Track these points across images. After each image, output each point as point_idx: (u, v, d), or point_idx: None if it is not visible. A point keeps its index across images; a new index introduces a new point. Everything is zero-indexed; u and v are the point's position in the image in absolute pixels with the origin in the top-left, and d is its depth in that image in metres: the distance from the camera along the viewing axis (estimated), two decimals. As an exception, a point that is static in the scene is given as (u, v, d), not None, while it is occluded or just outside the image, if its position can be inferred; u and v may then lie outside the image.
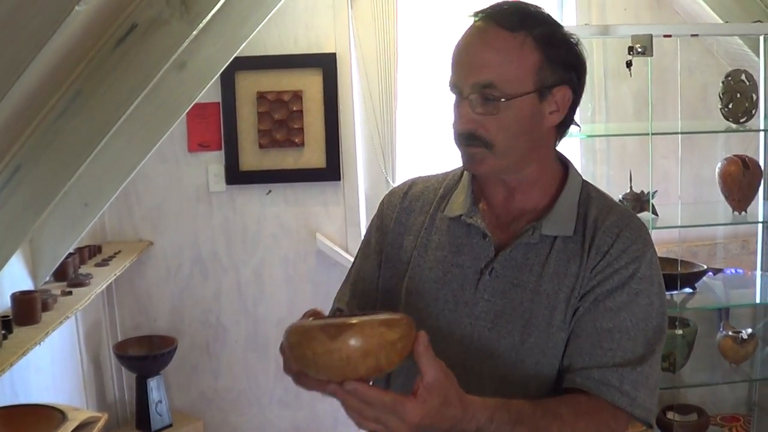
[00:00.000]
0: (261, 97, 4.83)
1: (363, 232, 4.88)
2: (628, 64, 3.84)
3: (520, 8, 1.84)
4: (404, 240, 2.06)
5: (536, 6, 1.87)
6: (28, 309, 3.40)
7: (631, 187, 4.16)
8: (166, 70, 3.22)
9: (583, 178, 2.02)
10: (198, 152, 4.89)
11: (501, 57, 1.79)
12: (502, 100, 1.78)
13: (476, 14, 1.86)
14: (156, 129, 4.01)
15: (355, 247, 4.87)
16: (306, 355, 1.54)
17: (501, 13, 1.82)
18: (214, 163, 4.90)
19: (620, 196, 4.15)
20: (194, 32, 3.12)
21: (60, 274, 4.04)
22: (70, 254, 4.11)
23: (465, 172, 2.05)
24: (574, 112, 1.92)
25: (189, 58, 3.83)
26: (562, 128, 1.93)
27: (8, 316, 3.30)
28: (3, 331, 3.18)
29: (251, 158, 4.89)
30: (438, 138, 4.97)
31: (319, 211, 4.89)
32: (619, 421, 1.81)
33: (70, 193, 3.48)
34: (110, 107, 3.06)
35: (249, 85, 4.85)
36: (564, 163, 2.01)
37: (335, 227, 4.92)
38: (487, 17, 1.83)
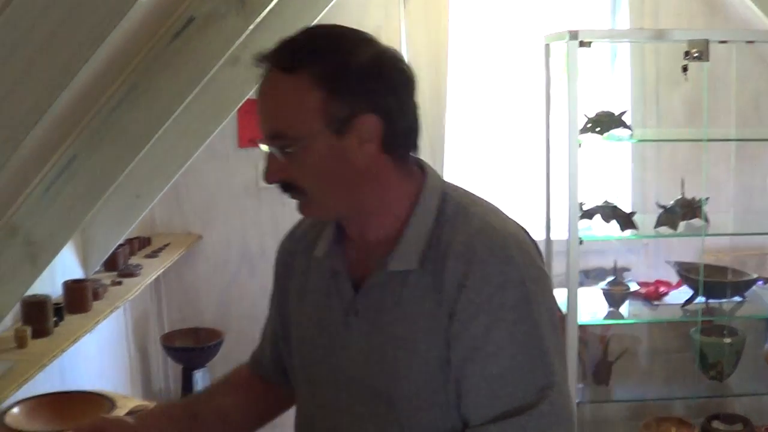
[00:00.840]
0: (313, 94, 4.83)
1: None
2: (684, 69, 3.80)
3: (299, 44, 1.67)
4: (290, 284, 1.94)
5: (327, 35, 1.72)
6: (79, 297, 3.45)
7: (682, 194, 4.14)
8: (220, 66, 3.25)
9: (456, 185, 1.83)
10: (248, 148, 4.93)
11: (279, 103, 1.67)
12: (290, 147, 1.65)
13: (260, 60, 1.70)
14: (208, 124, 4.06)
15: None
16: None
17: (278, 53, 1.67)
18: (263, 159, 4.90)
19: (672, 202, 4.13)
20: (250, 27, 3.15)
21: (110, 264, 4.09)
22: (121, 245, 4.16)
23: None
24: (403, 128, 1.72)
25: (242, 54, 3.85)
26: (395, 148, 1.72)
27: (60, 304, 3.35)
28: (55, 318, 3.23)
29: (301, 155, 4.90)
30: (488, 140, 4.98)
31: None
32: None
33: (123, 185, 3.51)
34: (165, 101, 3.10)
35: (301, 81, 4.85)
36: (424, 174, 1.80)
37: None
38: (266, 60, 1.68)
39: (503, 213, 1.80)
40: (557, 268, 4.29)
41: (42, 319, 3.15)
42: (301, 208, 1.76)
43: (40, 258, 2.99)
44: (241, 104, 4.23)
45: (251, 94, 4.15)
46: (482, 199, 1.81)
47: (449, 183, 1.82)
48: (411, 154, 1.78)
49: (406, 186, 1.76)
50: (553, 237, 4.37)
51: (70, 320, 3.36)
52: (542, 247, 4.38)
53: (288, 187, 1.72)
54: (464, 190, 1.81)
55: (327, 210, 1.76)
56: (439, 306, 1.66)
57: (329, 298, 1.82)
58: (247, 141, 4.88)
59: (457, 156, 4.98)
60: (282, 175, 1.70)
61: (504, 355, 1.63)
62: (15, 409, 3.04)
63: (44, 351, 3.03)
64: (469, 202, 1.77)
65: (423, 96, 4.75)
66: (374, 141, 1.68)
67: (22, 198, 2.96)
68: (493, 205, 1.81)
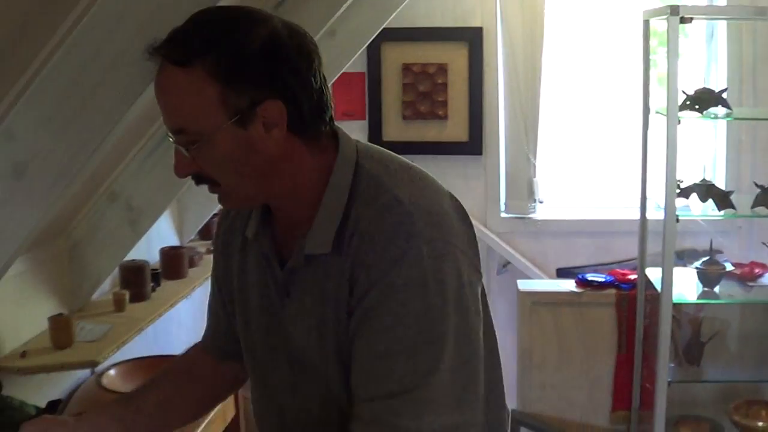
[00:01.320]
0: (406, 68, 4.85)
1: (503, 207, 4.90)
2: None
3: (189, 35, 1.56)
4: (231, 263, 1.88)
5: (217, 21, 1.59)
6: (175, 264, 3.53)
7: (779, 175, 4.07)
8: (318, 38, 3.28)
9: (373, 150, 1.73)
10: (342, 121, 4.94)
11: (177, 99, 1.57)
12: (196, 142, 1.57)
13: (151, 50, 1.57)
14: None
15: (495, 223, 4.91)
16: None
17: (169, 46, 1.56)
18: (357, 132, 4.93)
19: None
20: (347, 1, 3.17)
21: (205, 233, 4.17)
22: (215, 214, 4.22)
23: None
24: (310, 106, 1.62)
25: (339, 27, 3.89)
26: (303, 128, 1.63)
27: (157, 270, 3.43)
28: (152, 284, 3.31)
29: (394, 129, 4.94)
30: (583, 117, 4.94)
31: (460, 185, 4.88)
32: None
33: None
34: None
35: (395, 56, 4.87)
36: (338, 147, 1.70)
37: (475, 201, 4.90)
38: (157, 53, 1.57)
39: (422, 180, 1.70)
40: (652, 247, 4.26)
41: (140, 284, 3.23)
42: (220, 200, 1.69)
43: (139, 223, 3.07)
44: (336, 77, 4.26)
45: (346, 67, 4.19)
46: (400, 166, 1.70)
47: (366, 150, 1.72)
48: (325, 127, 1.68)
49: (320, 162, 1.67)
50: (648, 216, 4.33)
51: (167, 286, 3.44)
52: (637, 227, 4.38)
53: (201, 180, 1.63)
54: (381, 155, 1.72)
55: (245, 200, 1.70)
56: (343, 285, 1.62)
57: (265, 277, 1.77)
58: (341, 114, 4.91)
59: (551, 134, 4.94)
60: (191, 169, 1.61)
61: (389, 335, 1.56)
62: (112, 371, 3.11)
63: (142, 315, 3.10)
64: (382, 172, 1.66)
65: (517, 72, 4.77)
66: (281, 125, 1.59)
67: (123, 164, 3.04)
68: (413, 172, 1.71)
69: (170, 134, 1.60)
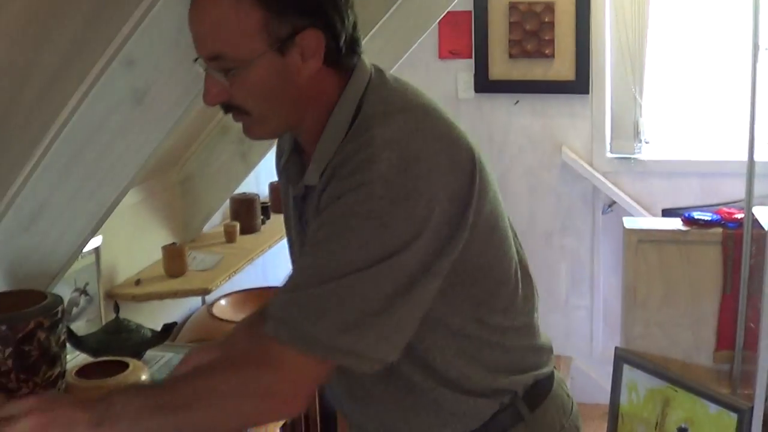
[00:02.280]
0: (513, 7, 4.81)
1: (609, 147, 4.85)
2: None
3: None
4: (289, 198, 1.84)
5: None
6: (284, 198, 3.58)
7: None
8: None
9: (387, 81, 1.70)
10: (448, 59, 4.95)
11: (218, 25, 1.57)
12: (233, 69, 1.57)
13: None
14: (409, 35, 4.09)
15: (601, 163, 4.86)
16: None
17: None
18: (463, 71, 4.94)
19: None
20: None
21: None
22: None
23: None
24: (346, 38, 1.63)
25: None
26: (338, 60, 1.64)
27: (267, 203, 3.49)
28: (262, 217, 3.37)
29: (500, 67, 4.90)
30: (689, 55, 4.84)
31: (566, 124, 4.86)
32: (272, 357, 1.51)
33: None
34: (369, 11, 3.13)
35: (502, -6, 4.85)
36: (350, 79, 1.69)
37: (581, 141, 4.87)
38: None
39: (419, 124, 1.61)
40: (760, 189, 4.17)
41: (250, 216, 3.30)
42: (246, 130, 1.69)
43: (250, 156, 3.12)
44: (442, 15, 4.24)
45: (453, 6, 4.17)
46: (403, 107, 1.64)
47: (377, 86, 1.68)
48: (355, 62, 1.68)
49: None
50: (756, 157, 4.25)
51: (276, 219, 3.50)
52: (744, 168, 4.31)
53: (230, 108, 1.64)
54: (390, 93, 1.67)
55: (272, 129, 1.70)
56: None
57: (293, 208, 1.79)
58: (447, 52, 4.90)
59: (658, 73, 4.86)
60: (223, 97, 1.61)
61: (321, 230, 1.54)
62: (222, 301, 3.20)
63: (252, 246, 3.18)
64: (377, 111, 1.62)
65: (624, 10, 4.70)
66: (317, 56, 1.60)
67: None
68: (411, 114, 1.63)
69: (204, 61, 1.59)
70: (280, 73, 1.59)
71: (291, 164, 1.77)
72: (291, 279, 1.56)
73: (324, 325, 1.47)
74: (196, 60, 1.62)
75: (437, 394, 1.71)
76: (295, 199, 1.76)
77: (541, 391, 1.81)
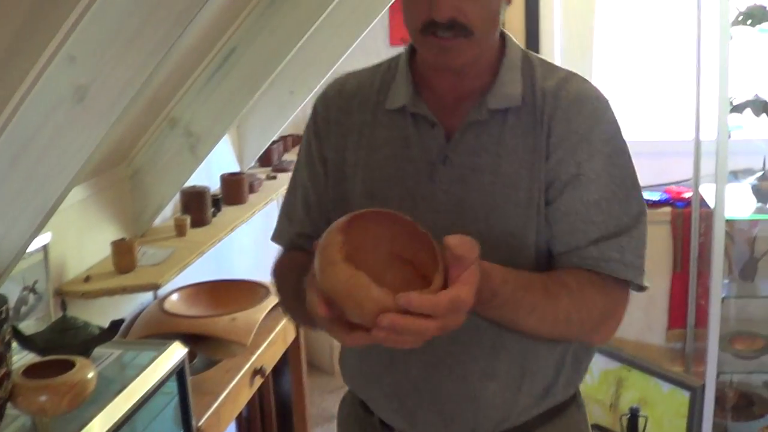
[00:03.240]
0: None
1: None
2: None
3: None
4: (347, 141, 1.87)
5: None
6: (235, 189, 3.57)
7: None
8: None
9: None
10: (399, 46, 4.92)
11: None
12: None
13: None
14: (359, 21, 4.07)
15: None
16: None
17: None
18: None
19: None
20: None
21: (265, 160, 4.21)
22: (275, 141, 4.25)
23: (400, 60, 1.88)
24: None
25: (396, -50, 3.87)
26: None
27: (218, 196, 3.47)
28: (213, 209, 3.35)
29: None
30: (636, 36, 4.88)
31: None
32: (622, 291, 1.73)
33: (277, 81, 3.58)
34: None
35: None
36: (501, 33, 1.82)
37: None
38: None
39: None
40: (706, 168, 4.22)
41: (201, 209, 3.28)
42: (453, 55, 1.68)
43: (199, 149, 3.10)
44: (393, 1, 4.23)
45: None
46: None
47: None
48: None
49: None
50: (702, 138, 4.30)
51: (227, 211, 3.49)
52: (691, 147, 4.35)
53: (452, 27, 1.64)
54: None
55: (478, 53, 1.72)
56: (540, 138, 1.72)
57: (408, 149, 1.79)
58: (398, 39, 4.89)
59: (604, 50, 4.89)
60: (457, 12, 1.63)
61: (601, 183, 1.70)
62: (174, 296, 3.18)
63: (203, 239, 3.15)
64: (543, 58, 1.85)
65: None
66: None
67: (182, 90, 3.06)
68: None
69: None
70: (504, 1, 1.71)
71: (420, 104, 1.78)
72: (606, 215, 1.71)
73: (643, 260, 1.73)
74: None
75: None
76: (427, 137, 1.78)
77: None
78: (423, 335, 1.38)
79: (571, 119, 1.71)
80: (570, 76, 1.77)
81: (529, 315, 1.60)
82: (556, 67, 1.81)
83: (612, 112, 1.76)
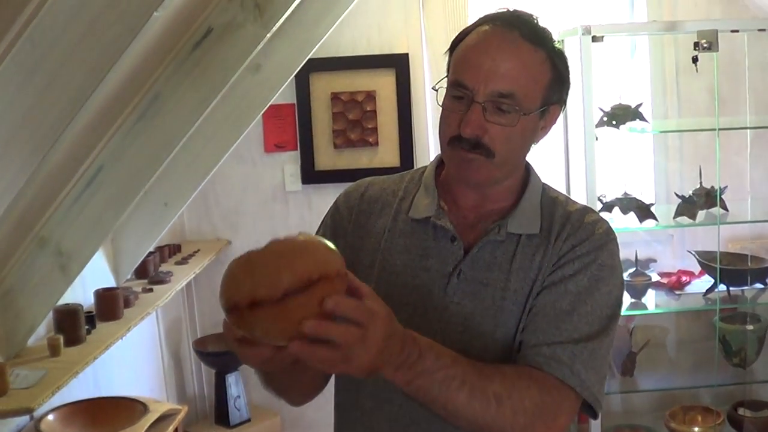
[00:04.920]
0: (335, 97, 4.90)
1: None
2: (694, 60, 3.87)
3: (536, 22, 1.86)
4: (364, 243, 1.97)
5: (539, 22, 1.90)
6: (110, 305, 3.52)
7: (701, 183, 4.17)
8: (241, 73, 3.31)
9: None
10: (274, 153, 4.98)
11: (526, 71, 1.80)
12: (521, 114, 1.80)
13: (496, 20, 1.86)
14: (232, 130, 4.11)
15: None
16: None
17: (526, 25, 1.83)
18: (290, 163, 4.99)
19: (690, 192, 4.15)
20: (268, 35, 3.20)
21: (141, 272, 4.16)
22: (151, 253, 4.22)
23: (425, 173, 2.02)
24: None
25: (264, 61, 3.92)
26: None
27: (92, 312, 3.42)
28: (87, 326, 3.30)
29: (326, 158, 4.97)
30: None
31: (393, 210, 4.94)
32: (565, 398, 1.76)
33: (151, 193, 3.58)
34: (188, 109, 3.15)
35: (323, 85, 4.92)
36: (525, 165, 2.01)
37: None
38: (512, 26, 1.82)
39: None
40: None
41: (74, 328, 3.22)
42: (474, 170, 1.83)
43: (70, 268, 3.06)
44: (264, 110, 4.29)
45: (274, 100, 4.22)
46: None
47: None
48: None
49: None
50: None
51: (102, 328, 3.42)
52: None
53: (477, 145, 1.80)
54: None
55: (497, 176, 1.87)
56: (546, 258, 1.85)
57: (426, 259, 1.90)
58: (273, 146, 4.94)
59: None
60: (483, 132, 1.79)
61: (579, 299, 1.80)
62: (50, 416, 3.10)
63: (77, 359, 3.09)
64: (560, 192, 2.03)
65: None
66: (550, 128, 1.92)
67: (51, 209, 3.03)
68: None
69: (487, 94, 1.78)
70: (532, 130, 1.87)
71: (444, 218, 1.90)
72: (571, 325, 1.79)
73: (603, 391, 1.81)
74: (456, 87, 1.84)
75: None
76: (445, 249, 1.89)
77: None
78: (344, 346, 1.43)
79: (576, 244, 1.85)
80: (586, 209, 1.94)
81: (459, 390, 1.63)
82: (574, 201, 1.98)
83: (616, 248, 1.90)
